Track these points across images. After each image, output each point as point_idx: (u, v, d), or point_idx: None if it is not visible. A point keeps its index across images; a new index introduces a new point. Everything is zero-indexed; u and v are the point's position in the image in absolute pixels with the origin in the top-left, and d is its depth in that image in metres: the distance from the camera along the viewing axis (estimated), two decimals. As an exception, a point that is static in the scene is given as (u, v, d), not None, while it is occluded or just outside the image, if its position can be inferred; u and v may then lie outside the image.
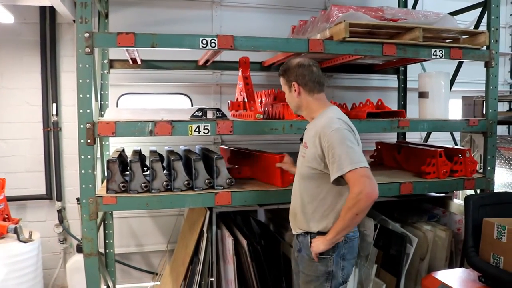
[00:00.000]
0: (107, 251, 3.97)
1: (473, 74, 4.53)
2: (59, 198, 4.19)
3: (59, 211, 4.18)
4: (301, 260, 2.42)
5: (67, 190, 4.26)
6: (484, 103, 3.61)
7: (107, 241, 3.97)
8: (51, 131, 4.15)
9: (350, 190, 2.14)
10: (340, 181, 2.20)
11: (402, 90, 4.69)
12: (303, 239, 2.40)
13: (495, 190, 3.58)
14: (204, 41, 2.79)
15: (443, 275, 2.82)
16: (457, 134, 4.62)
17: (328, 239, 2.23)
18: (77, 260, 3.81)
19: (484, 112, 4.08)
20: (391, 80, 4.93)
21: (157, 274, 4.36)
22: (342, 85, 4.95)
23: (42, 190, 4.18)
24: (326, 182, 2.26)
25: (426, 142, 4.54)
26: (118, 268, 4.29)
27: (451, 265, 3.39)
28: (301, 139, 2.52)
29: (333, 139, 2.18)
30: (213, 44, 2.81)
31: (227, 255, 3.04)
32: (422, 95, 3.58)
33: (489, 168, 3.49)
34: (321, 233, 2.30)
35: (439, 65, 4.65)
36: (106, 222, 3.90)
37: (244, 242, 2.98)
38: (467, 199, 2.92)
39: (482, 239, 2.67)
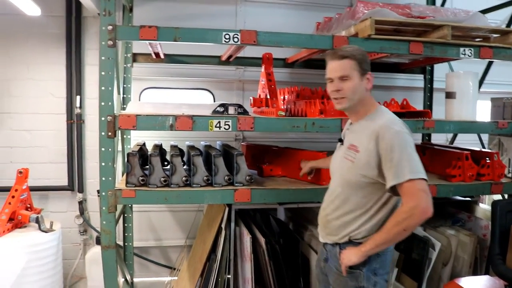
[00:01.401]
0: (126, 244, 4.00)
1: (503, 75, 4.39)
2: (81, 189, 4.24)
3: (80, 203, 4.23)
4: (329, 272, 2.25)
5: (88, 182, 4.31)
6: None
7: (126, 234, 3.99)
8: (74, 123, 4.20)
9: (404, 202, 1.94)
10: (393, 189, 2.00)
11: (429, 90, 4.57)
12: (332, 249, 2.23)
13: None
14: (227, 36, 2.76)
15: (466, 282, 2.72)
16: (485, 137, 4.48)
17: (363, 250, 2.03)
18: (96, 252, 3.83)
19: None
20: (417, 80, 4.80)
21: (174, 269, 4.37)
22: (366, 84, 4.84)
23: (64, 181, 4.23)
24: (374, 192, 2.07)
25: (452, 144, 4.42)
26: (136, 262, 4.32)
27: (475, 272, 3.29)
28: (340, 140, 2.31)
29: (393, 142, 1.97)
30: (236, 39, 2.77)
31: (245, 253, 3.01)
32: (449, 95, 3.47)
33: (518, 172, 3.37)
34: (351, 241, 2.12)
35: (467, 65, 4.50)
36: (125, 215, 3.92)
37: (262, 240, 2.95)
38: (494, 204, 2.81)
39: (510, 247, 2.57)
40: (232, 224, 3.11)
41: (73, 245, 4.32)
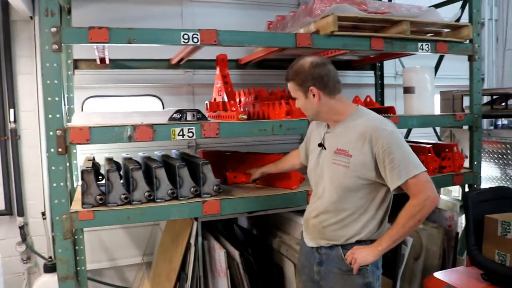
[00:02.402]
0: (78, 268, 3.60)
1: (448, 69, 4.51)
2: (21, 213, 3.78)
3: (21, 228, 3.77)
4: (327, 275, 2.15)
5: (29, 204, 3.84)
6: (466, 97, 3.59)
7: (77, 258, 3.59)
8: (9, 140, 3.74)
9: (413, 197, 1.97)
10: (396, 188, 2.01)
11: (380, 87, 4.62)
12: (329, 252, 2.14)
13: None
14: (186, 36, 2.55)
15: (445, 275, 2.73)
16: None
17: (380, 250, 2.02)
18: (45, 281, 3.44)
19: (463, 107, 4.09)
20: (366, 77, 4.86)
21: (133, 289, 4.07)
22: (318, 83, 4.80)
23: (0, 205, 3.75)
24: (372, 192, 2.06)
25: (407, 138, 4.49)
26: (90, 286, 3.94)
27: (444, 263, 3.32)
28: (321, 145, 2.20)
29: (390, 143, 1.97)
30: (195, 39, 2.57)
31: (218, 268, 2.81)
32: (408, 90, 3.50)
33: (475, 162, 3.45)
34: (359, 242, 2.08)
35: (415, 60, 4.62)
36: (76, 237, 3.54)
37: (236, 253, 2.76)
38: (465, 196, 2.85)
39: (485, 237, 2.60)
40: (200, 238, 2.90)
41: (15, 275, 3.84)
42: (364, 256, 2.03)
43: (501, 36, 5.62)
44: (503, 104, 4.06)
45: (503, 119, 4.63)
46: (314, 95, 2.09)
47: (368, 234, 2.09)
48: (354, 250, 2.06)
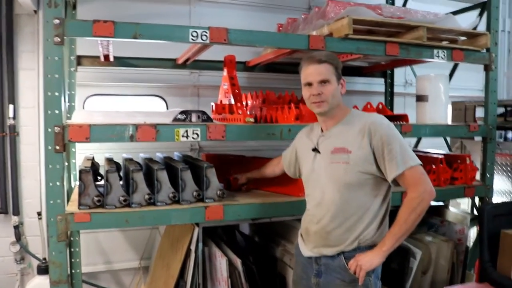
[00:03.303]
0: (73, 271, 3.49)
1: (457, 80, 4.40)
2: (16, 212, 3.66)
3: (16, 227, 3.65)
4: (327, 287, 2.09)
5: (25, 203, 3.74)
6: (478, 108, 3.48)
7: (73, 260, 3.48)
8: (7, 136, 3.63)
9: (411, 189, 1.97)
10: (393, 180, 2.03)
11: (389, 94, 4.50)
12: (330, 262, 2.08)
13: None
14: (194, 33, 2.44)
15: (456, 292, 2.60)
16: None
17: (384, 250, 1.96)
18: (38, 283, 3.33)
19: (475, 118, 3.97)
20: (375, 84, 4.75)
21: (129, 294, 3.94)
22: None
23: (-5, 203, 3.65)
24: (374, 189, 2.05)
25: (416, 147, 4.37)
26: (84, 290, 3.83)
27: (452, 277, 3.19)
28: (315, 150, 2.19)
29: (388, 135, 2.00)
30: (204, 37, 2.46)
31: (218, 276, 2.68)
32: (421, 98, 3.38)
33: (488, 175, 3.33)
34: (359, 247, 2.04)
35: (425, 69, 4.51)
36: (72, 238, 3.43)
37: (238, 261, 2.63)
38: (481, 209, 2.73)
39: (500, 252, 2.48)
40: (200, 244, 2.77)
41: (8, 276, 3.72)
42: (368, 260, 1.97)
43: (514, 48, 5.53)
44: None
45: (513, 131, 4.50)
46: (342, 85, 2.16)
47: (371, 233, 2.05)
48: (357, 257, 2.00)
